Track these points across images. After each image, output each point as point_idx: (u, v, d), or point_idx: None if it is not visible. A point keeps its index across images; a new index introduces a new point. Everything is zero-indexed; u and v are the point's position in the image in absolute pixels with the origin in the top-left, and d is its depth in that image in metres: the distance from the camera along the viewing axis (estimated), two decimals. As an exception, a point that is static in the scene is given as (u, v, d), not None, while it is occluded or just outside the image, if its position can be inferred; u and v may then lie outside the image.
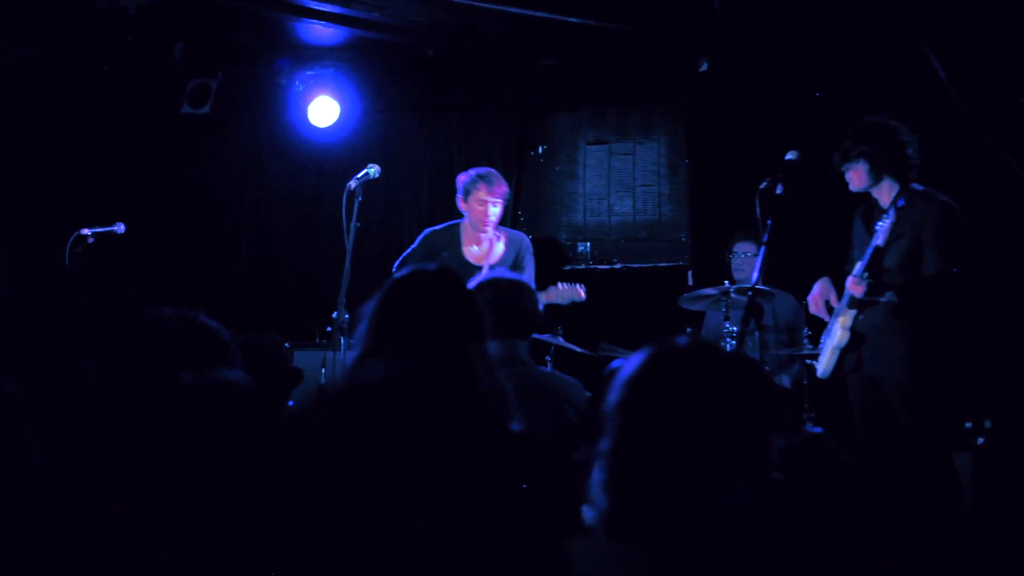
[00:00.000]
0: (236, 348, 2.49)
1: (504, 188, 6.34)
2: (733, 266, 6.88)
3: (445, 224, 6.55)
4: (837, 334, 5.13)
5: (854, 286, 4.97)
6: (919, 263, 4.93)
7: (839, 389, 5.35)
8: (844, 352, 5.13)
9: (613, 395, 2.04)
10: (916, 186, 5.03)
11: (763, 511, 1.98)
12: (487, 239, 6.36)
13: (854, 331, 5.06)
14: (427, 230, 6.56)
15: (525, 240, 6.56)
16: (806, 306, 6.67)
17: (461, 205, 6.38)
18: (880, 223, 4.90)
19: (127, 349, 2.43)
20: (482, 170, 6.40)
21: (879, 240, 4.90)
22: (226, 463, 1.97)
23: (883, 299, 4.95)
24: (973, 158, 4.98)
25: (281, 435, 2.07)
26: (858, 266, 5.03)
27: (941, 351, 4.94)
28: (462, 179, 6.39)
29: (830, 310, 5.27)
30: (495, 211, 6.30)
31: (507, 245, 6.43)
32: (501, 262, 6.30)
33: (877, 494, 4.96)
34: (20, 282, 7.46)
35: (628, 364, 2.07)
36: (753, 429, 1.99)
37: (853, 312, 5.06)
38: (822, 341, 5.39)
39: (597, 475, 2.01)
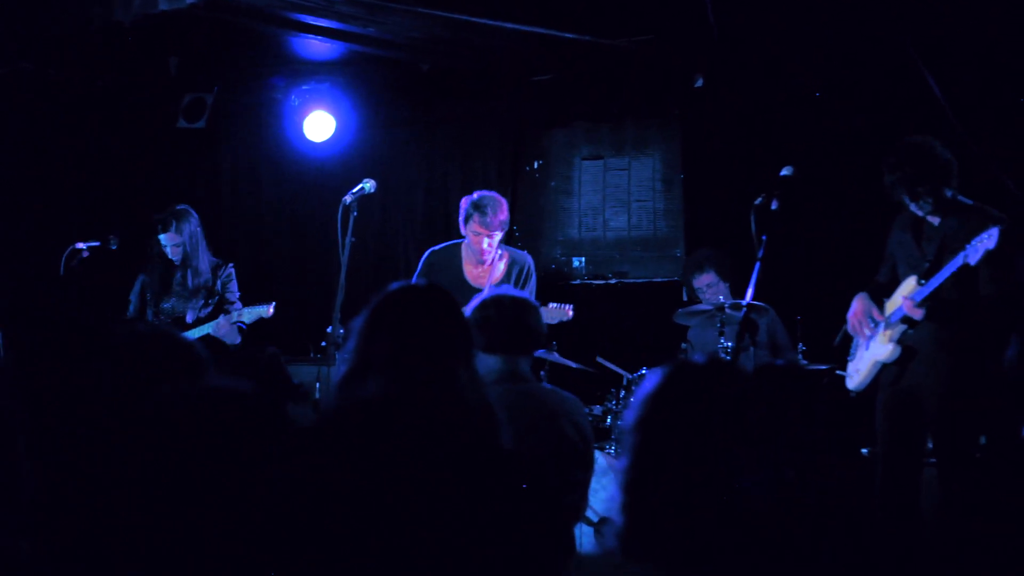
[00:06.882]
0: (210, 362, 2.48)
1: (502, 217, 6.05)
2: (703, 300, 6.70)
3: (446, 244, 6.38)
4: (884, 348, 5.03)
5: (913, 310, 4.85)
6: (974, 280, 4.77)
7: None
8: (885, 366, 5.05)
9: (631, 414, 2.03)
10: (964, 200, 4.93)
11: (779, 531, 1.96)
12: (488, 259, 6.17)
13: (904, 345, 4.98)
14: (428, 251, 6.38)
15: (528, 261, 6.34)
16: (780, 318, 6.65)
17: (462, 228, 6.17)
18: (973, 244, 4.61)
19: (102, 363, 2.43)
20: (482, 198, 6.10)
21: (972, 260, 4.62)
22: (228, 472, 1.96)
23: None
24: (970, 174, 4.97)
25: (282, 448, 2.07)
26: (920, 291, 4.86)
27: (989, 367, 4.86)
28: (463, 203, 6.16)
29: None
30: (490, 242, 6.09)
31: (508, 266, 6.24)
32: (501, 283, 6.10)
33: (894, 508, 4.94)
34: (15, 295, 7.44)
35: (646, 382, 2.06)
36: (769, 446, 1.98)
37: (903, 327, 4.97)
38: (852, 355, 5.32)
39: (616, 493, 1.99)
